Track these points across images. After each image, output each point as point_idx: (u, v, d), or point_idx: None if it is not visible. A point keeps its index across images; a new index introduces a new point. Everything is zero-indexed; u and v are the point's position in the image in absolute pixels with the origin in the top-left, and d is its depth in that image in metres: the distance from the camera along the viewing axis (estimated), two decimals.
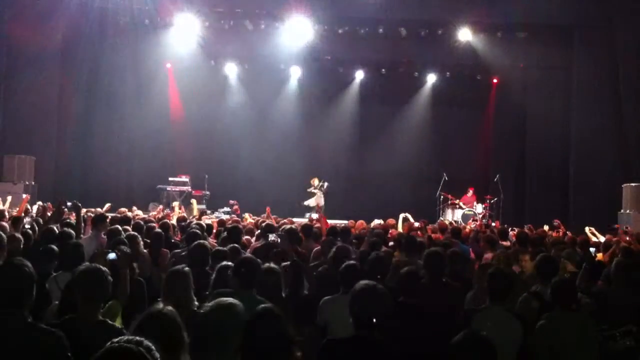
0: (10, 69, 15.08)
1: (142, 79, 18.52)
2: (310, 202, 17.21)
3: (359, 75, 19.61)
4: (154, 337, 2.28)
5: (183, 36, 17.27)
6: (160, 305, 2.86)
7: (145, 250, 6.53)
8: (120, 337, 2.24)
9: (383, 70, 19.20)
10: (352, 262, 4.96)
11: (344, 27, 17.16)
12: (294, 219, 11.71)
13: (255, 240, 7.90)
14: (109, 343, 2.18)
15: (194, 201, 12.51)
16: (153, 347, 2.26)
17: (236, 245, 6.25)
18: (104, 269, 3.68)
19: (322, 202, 17.03)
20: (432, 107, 19.74)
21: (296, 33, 16.97)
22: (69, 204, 8.23)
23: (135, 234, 6.64)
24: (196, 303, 4.17)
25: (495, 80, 19.22)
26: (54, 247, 5.59)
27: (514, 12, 15.84)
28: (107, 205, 11.29)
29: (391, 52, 17.85)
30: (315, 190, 17.19)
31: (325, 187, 17.16)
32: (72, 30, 16.20)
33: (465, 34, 16.84)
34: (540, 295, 4.94)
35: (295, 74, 19.53)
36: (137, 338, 2.25)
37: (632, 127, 15.61)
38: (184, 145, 18.70)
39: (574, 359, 4.29)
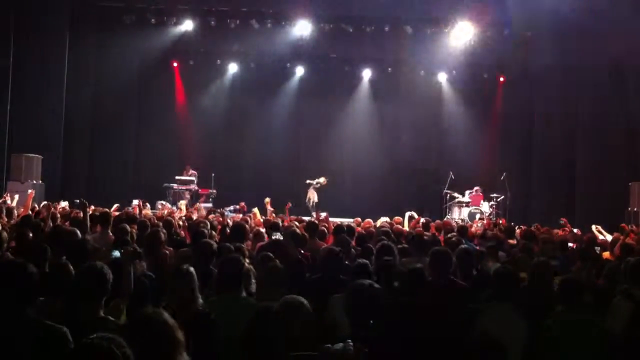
0: (17, 69, 15.12)
1: (148, 77, 18.55)
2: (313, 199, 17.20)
3: (365, 73, 19.58)
4: (145, 340, 2.28)
5: (189, 35, 17.28)
6: (151, 308, 2.84)
7: (169, 249, 6.37)
8: (94, 335, 2.25)
9: (389, 69, 19.17)
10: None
11: (349, 25, 17.14)
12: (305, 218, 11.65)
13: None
14: (83, 340, 2.19)
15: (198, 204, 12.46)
16: (125, 344, 2.26)
17: (241, 244, 6.23)
18: (105, 266, 3.69)
19: (314, 197, 16.97)
20: (438, 106, 19.70)
21: (302, 32, 17.00)
22: (76, 201, 8.30)
23: (158, 229, 6.55)
24: (201, 302, 4.17)
25: (501, 79, 19.14)
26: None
27: (518, 10, 15.75)
28: (115, 205, 11.29)
29: (397, 51, 17.82)
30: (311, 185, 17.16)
31: (318, 183, 17.08)
32: (78, 30, 16.26)
33: (471, 32, 16.76)
34: None
35: (301, 72, 19.52)
36: (110, 335, 2.27)
37: (639, 124, 15.50)
38: (190, 143, 18.76)
39: (580, 358, 4.26)
